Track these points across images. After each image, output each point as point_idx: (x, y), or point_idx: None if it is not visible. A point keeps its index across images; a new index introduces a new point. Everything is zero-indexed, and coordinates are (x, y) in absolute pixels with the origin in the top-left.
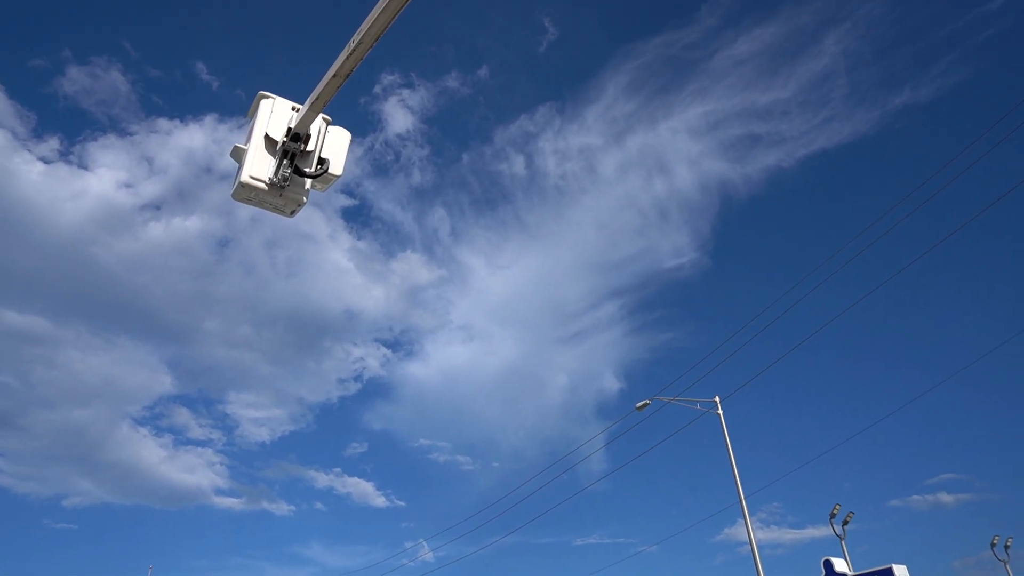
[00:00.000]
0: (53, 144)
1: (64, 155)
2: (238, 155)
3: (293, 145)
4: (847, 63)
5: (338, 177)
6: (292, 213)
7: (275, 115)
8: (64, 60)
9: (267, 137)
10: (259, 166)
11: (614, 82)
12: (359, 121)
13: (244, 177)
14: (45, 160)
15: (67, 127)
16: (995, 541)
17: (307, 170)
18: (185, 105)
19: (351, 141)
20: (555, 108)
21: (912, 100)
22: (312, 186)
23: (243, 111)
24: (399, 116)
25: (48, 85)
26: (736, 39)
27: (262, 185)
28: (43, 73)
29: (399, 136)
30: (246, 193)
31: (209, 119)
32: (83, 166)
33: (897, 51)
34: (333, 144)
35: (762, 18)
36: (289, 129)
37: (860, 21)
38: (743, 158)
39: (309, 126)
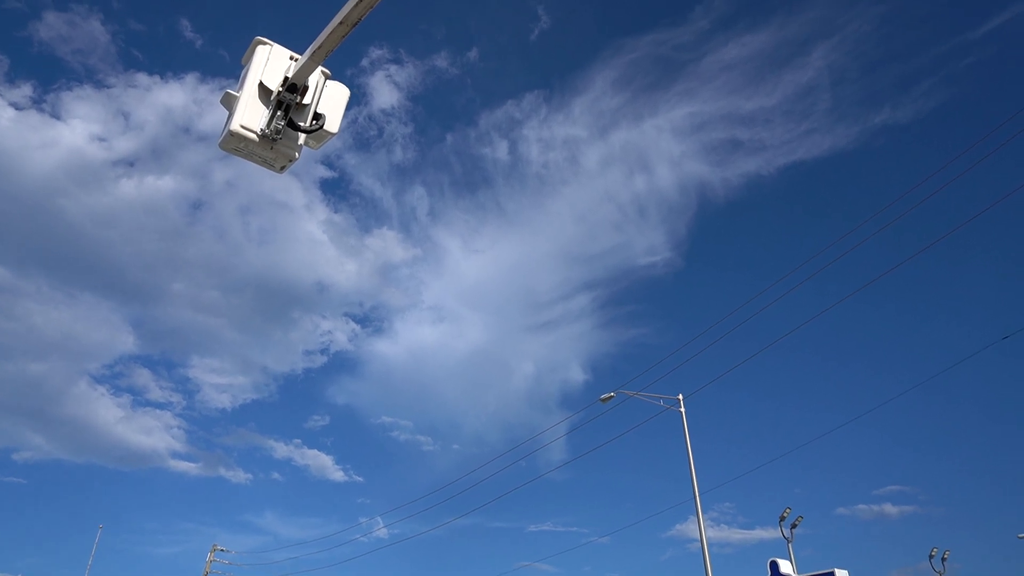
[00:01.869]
0: (26, 90)
1: (37, 103)
2: (229, 102)
3: (289, 96)
4: (832, 78)
5: (333, 135)
6: (282, 168)
7: (271, 63)
8: (41, 4)
9: (261, 85)
10: (251, 115)
11: (603, 75)
12: None
13: (234, 126)
14: (17, 106)
15: (41, 74)
16: (933, 553)
17: (302, 124)
18: (166, 62)
19: (349, 98)
20: (542, 96)
21: (892, 120)
22: (306, 142)
23: (227, 72)
24: (385, 91)
25: (23, 29)
26: (726, 43)
27: (253, 136)
28: (19, 16)
29: (383, 111)
30: (235, 143)
31: (190, 78)
32: (56, 115)
33: (881, 70)
34: (331, 99)
35: (753, 24)
36: (286, 79)
37: (848, 37)
38: (724, 162)
39: (307, 77)
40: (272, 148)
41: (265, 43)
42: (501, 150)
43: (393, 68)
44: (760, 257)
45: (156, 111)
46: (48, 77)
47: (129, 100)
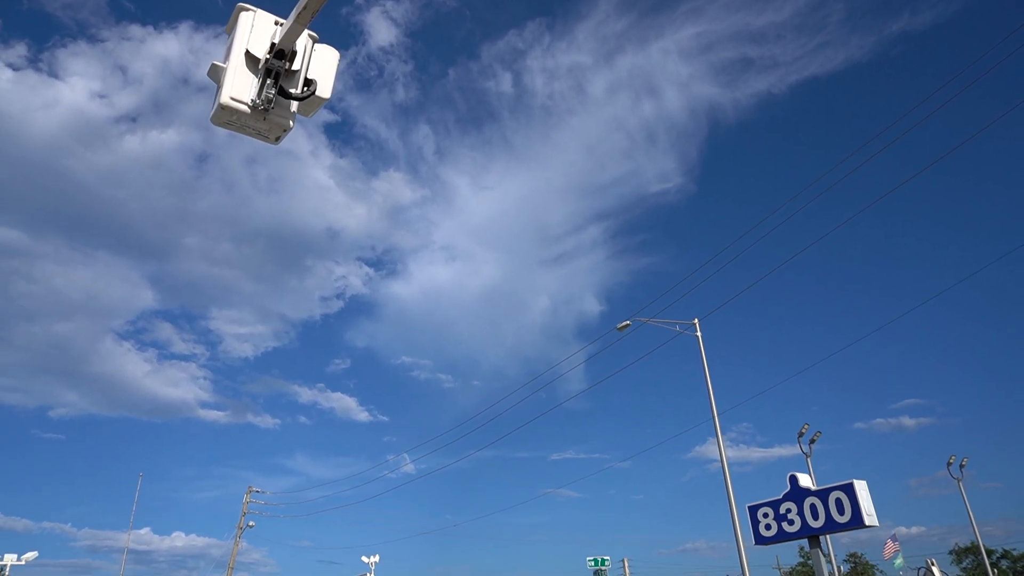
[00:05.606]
0: (20, 50)
1: (33, 62)
2: (216, 74)
3: (277, 63)
4: None
5: (326, 100)
6: (277, 139)
7: (256, 29)
8: None
9: (248, 54)
10: (240, 86)
11: None
12: (340, 33)
13: (224, 98)
14: (13, 67)
15: (34, 32)
16: (951, 461)
17: (293, 91)
18: (158, 11)
19: (339, 61)
20: (544, 24)
21: (910, 27)
22: (298, 109)
23: (220, 18)
24: (382, 28)
25: None
26: None
27: (244, 107)
28: None
29: (382, 49)
30: (227, 116)
31: (184, 27)
32: (53, 74)
33: None
34: (320, 63)
35: None
36: (272, 45)
37: None
38: (734, 82)
39: (294, 42)
40: (265, 119)
41: (248, 9)
42: (505, 83)
43: (389, 3)
44: (773, 178)
45: (153, 63)
46: (41, 35)
47: (124, 54)
